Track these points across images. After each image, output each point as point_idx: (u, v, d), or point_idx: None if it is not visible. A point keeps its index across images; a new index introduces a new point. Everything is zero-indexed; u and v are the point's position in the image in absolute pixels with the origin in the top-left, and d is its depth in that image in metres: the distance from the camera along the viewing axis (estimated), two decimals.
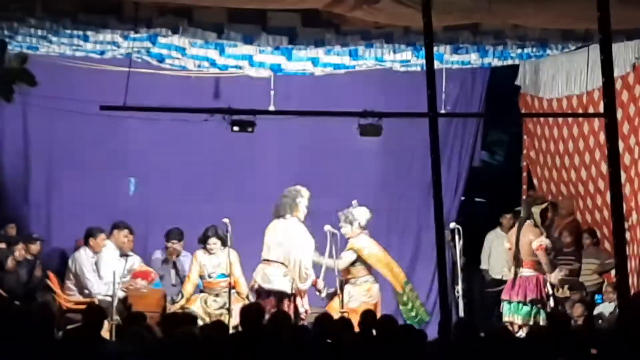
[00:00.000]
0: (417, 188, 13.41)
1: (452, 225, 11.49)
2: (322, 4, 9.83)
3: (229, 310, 10.96)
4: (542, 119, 13.57)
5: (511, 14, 10.28)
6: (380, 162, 13.51)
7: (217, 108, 10.73)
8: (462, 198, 13.89)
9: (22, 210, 12.48)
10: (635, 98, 11.73)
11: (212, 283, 11.53)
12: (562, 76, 12.98)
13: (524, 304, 11.13)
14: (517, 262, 11.28)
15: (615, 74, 9.64)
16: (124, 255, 11.48)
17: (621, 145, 10.63)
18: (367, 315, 8.61)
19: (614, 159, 8.49)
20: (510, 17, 10.51)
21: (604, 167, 11.87)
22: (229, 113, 10.02)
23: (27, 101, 11.98)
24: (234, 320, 10.44)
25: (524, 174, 13.93)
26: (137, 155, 12.86)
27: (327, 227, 11.30)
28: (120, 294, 11.04)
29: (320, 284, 11.42)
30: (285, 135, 12.86)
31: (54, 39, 10.53)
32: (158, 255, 12.16)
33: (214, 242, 11.49)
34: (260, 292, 11.24)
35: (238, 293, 11.43)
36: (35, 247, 11.71)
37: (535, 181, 13.74)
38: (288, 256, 11.21)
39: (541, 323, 10.81)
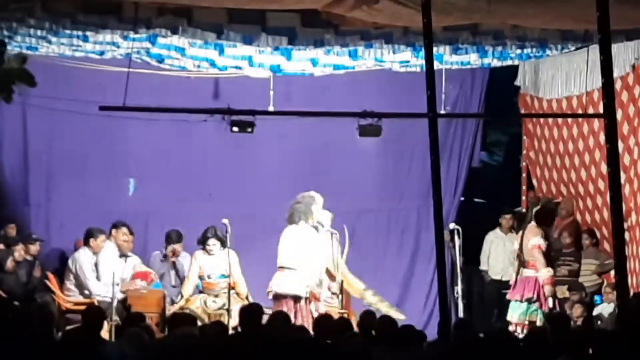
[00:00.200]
0: (416, 188, 13.38)
1: (452, 225, 11.48)
2: (322, 4, 9.83)
3: (228, 310, 10.94)
4: (541, 120, 13.56)
5: (511, 14, 10.27)
6: (380, 163, 13.49)
7: (216, 108, 10.73)
8: (462, 198, 13.87)
9: (22, 211, 12.46)
10: (634, 98, 11.73)
11: (212, 284, 11.52)
12: (561, 77, 12.98)
13: (521, 302, 11.12)
14: (521, 262, 11.28)
15: (615, 75, 9.66)
16: (123, 255, 11.48)
17: (621, 145, 10.64)
18: (367, 316, 8.60)
19: (613, 159, 8.50)
20: (509, 18, 10.50)
21: (603, 168, 11.85)
22: (229, 113, 10.02)
23: (27, 101, 11.97)
24: (233, 320, 10.43)
25: (524, 175, 13.92)
26: (136, 156, 12.84)
27: (327, 228, 11.31)
28: (120, 295, 11.04)
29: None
30: (284, 136, 12.83)
31: (54, 39, 10.52)
32: (157, 256, 12.14)
33: (213, 243, 11.47)
34: (277, 297, 11.09)
35: (237, 294, 11.43)
36: (34, 248, 11.69)
37: (534, 182, 13.73)
38: (302, 262, 11.11)
39: (538, 323, 10.80)
